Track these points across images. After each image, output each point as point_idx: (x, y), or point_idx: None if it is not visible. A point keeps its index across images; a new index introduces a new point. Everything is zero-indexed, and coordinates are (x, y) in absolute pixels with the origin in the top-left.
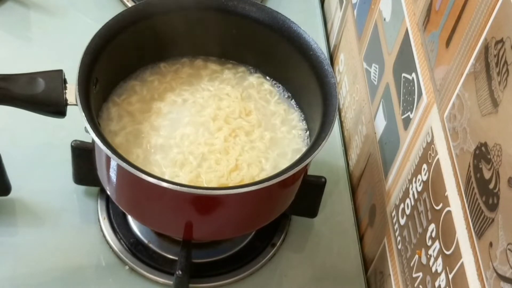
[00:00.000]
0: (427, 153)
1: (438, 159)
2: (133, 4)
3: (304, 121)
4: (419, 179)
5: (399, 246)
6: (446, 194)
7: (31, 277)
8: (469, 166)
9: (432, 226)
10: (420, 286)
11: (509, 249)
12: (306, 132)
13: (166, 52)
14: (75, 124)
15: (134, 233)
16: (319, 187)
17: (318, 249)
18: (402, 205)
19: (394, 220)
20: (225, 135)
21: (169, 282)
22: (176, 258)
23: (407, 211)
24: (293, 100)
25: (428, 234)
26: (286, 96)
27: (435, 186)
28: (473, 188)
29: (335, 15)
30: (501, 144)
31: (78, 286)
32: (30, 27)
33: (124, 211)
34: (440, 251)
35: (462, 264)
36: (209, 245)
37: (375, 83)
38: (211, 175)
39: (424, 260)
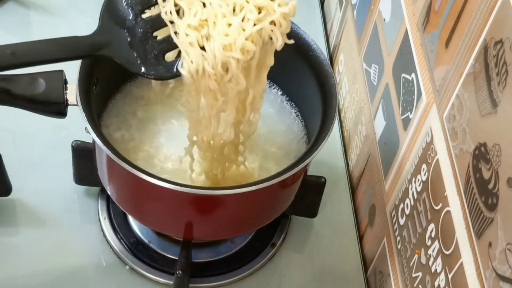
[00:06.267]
0: (427, 153)
1: (437, 159)
2: None
3: (303, 122)
4: (418, 179)
5: (399, 246)
6: (445, 194)
7: (31, 277)
8: (469, 166)
9: (432, 226)
10: (420, 286)
11: (508, 249)
12: (305, 132)
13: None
14: (75, 125)
15: (135, 233)
16: (319, 187)
17: (318, 249)
18: (401, 205)
19: (394, 220)
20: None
21: (169, 282)
22: (176, 258)
23: (407, 211)
24: (292, 101)
25: (428, 234)
26: (286, 98)
27: (434, 186)
28: (473, 188)
29: (335, 15)
30: (500, 144)
31: (78, 286)
32: (30, 27)
33: (125, 211)
34: (440, 251)
35: (461, 264)
36: (209, 245)
37: (375, 83)
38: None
39: (423, 260)
